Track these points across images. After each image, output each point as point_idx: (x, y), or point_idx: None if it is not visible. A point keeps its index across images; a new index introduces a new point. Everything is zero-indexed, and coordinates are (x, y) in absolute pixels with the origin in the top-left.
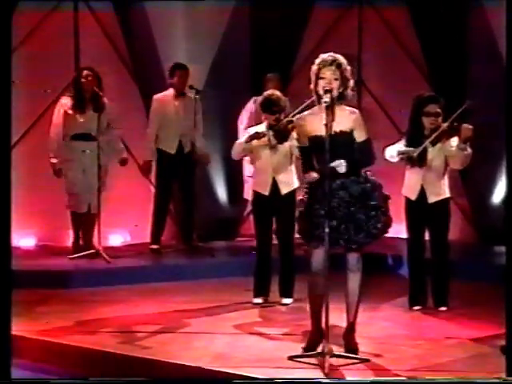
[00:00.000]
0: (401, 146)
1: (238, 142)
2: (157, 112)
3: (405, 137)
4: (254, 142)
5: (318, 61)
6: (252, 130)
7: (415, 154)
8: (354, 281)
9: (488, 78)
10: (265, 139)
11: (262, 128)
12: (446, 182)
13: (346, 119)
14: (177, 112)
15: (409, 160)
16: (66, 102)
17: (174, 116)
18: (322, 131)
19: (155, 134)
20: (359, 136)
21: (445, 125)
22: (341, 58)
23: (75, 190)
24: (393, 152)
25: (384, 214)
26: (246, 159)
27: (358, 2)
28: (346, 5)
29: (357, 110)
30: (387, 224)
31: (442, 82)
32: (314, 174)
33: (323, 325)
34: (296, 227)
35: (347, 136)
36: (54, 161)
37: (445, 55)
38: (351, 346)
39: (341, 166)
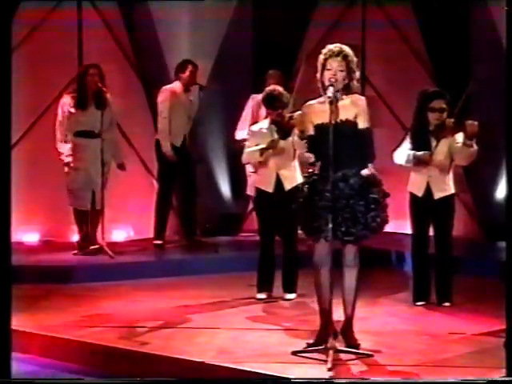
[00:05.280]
0: (407, 144)
1: (250, 150)
2: (167, 103)
3: (409, 132)
4: (258, 139)
5: (324, 51)
6: (254, 128)
7: (427, 156)
8: (350, 276)
9: (492, 75)
10: (267, 132)
11: (264, 124)
12: (451, 177)
13: (351, 107)
14: (185, 106)
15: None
16: (67, 100)
17: (182, 110)
18: (325, 120)
19: (168, 127)
20: (361, 123)
21: (450, 120)
22: (347, 49)
23: (76, 187)
24: (404, 157)
25: (383, 209)
26: None
27: None
28: (350, 1)
29: (363, 97)
30: (385, 220)
31: (446, 77)
32: (311, 155)
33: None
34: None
35: (352, 124)
36: (63, 158)
37: (448, 51)
38: (351, 342)
39: None
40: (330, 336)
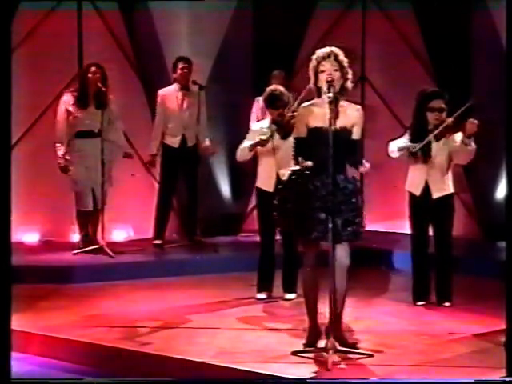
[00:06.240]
0: (404, 140)
1: (242, 146)
2: (162, 107)
3: (408, 132)
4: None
5: (314, 56)
6: (255, 127)
7: (415, 150)
8: (341, 273)
9: (492, 75)
10: (267, 132)
11: (265, 124)
12: (449, 177)
13: (349, 115)
14: (180, 106)
15: (411, 155)
16: (67, 98)
17: (177, 110)
18: (322, 123)
19: (161, 128)
20: (356, 134)
21: (449, 120)
22: (337, 50)
23: (78, 188)
24: (393, 148)
25: (364, 216)
26: None
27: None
28: (350, 2)
29: (360, 108)
30: (364, 227)
31: (446, 78)
32: (309, 163)
33: (320, 320)
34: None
35: (348, 132)
36: (60, 156)
37: (449, 52)
38: (341, 339)
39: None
40: (326, 336)
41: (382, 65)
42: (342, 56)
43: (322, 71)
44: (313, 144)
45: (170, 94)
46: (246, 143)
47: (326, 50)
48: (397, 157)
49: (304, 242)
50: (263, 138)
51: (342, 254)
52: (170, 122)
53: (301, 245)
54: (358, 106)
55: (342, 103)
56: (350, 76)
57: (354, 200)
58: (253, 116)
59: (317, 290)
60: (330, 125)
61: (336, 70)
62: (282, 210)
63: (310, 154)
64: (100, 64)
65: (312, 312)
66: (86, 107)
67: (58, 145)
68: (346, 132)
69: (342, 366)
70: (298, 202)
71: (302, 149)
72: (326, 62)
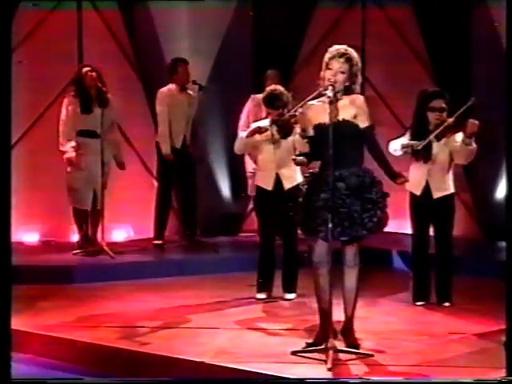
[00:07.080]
0: (404, 139)
1: (240, 136)
2: (164, 106)
3: (409, 132)
4: (257, 136)
5: (331, 49)
6: (254, 126)
7: (419, 147)
8: (350, 276)
9: (492, 75)
10: (268, 133)
11: (265, 123)
12: (450, 177)
13: (349, 107)
14: (182, 107)
15: (413, 154)
16: (70, 100)
17: (180, 111)
18: (324, 119)
19: (168, 128)
20: (362, 122)
21: (450, 120)
22: (352, 53)
23: (77, 186)
24: (396, 146)
25: (381, 210)
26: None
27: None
28: (350, 1)
29: (361, 96)
30: (384, 221)
31: (446, 78)
32: (304, 158)
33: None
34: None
35: (350, 124)
36: (68, 154)
37: (448, 52)
38: (352, 342)
39: None
40: (330, 336)
41: (382, 65)
42: (355, 61)
43: (330, 69)
44: (319, 141)
45: (172, 94)
46: (243, 133)
47: (342, 49)
48: (399, 155)
49: (312, 240)
50: (260, 125)
51: (349, 255)
52: (172, 123)
53: (310, 243)
54: (359, 96)
55: (343, 98)
56: (359, 81)
57: (362, 194)
58: (244, 112)
59: (328, 290)
60: (331, 124)
61: (343, 73)
62: (299, 212)
63: (318, 151)
64: (91, 65)
65: (322, 311)
66: (91, 110)
67: (62, 144)
68: (348, 125)
69: (342, 366)
70: (307, 203)
71: (313, 148)
72: (336, 61)
